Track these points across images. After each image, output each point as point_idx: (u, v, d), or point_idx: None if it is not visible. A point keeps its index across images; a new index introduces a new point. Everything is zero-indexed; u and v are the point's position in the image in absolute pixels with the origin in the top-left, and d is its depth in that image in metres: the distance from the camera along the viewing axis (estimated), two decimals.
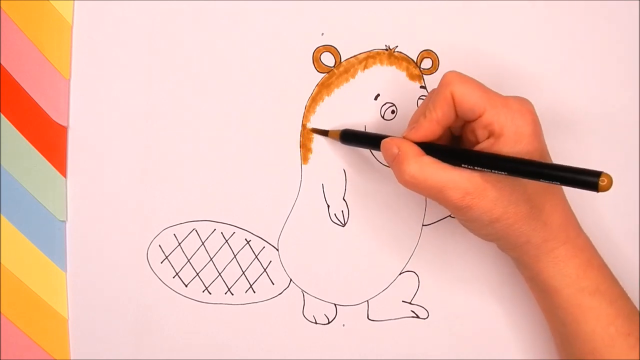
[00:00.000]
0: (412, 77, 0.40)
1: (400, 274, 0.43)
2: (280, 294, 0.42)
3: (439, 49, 0.41)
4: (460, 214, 0.35)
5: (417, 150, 0.35)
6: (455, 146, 0.37)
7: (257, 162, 0.40)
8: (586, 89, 0.43)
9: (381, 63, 0.40)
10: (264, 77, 0.39)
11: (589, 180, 0.30)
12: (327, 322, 0.43)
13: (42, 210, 0.38)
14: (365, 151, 0.41)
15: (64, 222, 0.39)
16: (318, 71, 0.39)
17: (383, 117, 0.40)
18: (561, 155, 0.44)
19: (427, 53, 0.40)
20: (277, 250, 0.41)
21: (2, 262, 0.39)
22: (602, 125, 0.44)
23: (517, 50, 0.42)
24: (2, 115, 0.37)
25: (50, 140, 0.38)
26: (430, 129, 0.35)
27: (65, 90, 0.37)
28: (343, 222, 0.42)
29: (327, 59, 0.39)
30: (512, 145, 0.34)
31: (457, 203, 0.34)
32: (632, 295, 0.39)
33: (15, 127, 0.38)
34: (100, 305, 0.40)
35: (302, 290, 0.42)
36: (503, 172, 0.33)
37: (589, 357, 0.37)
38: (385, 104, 0.40)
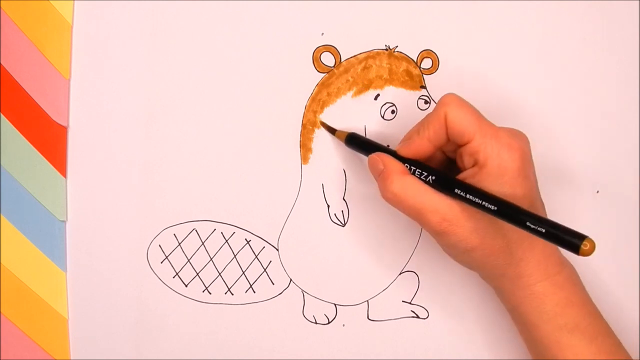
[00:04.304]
0: (412, 77, 0.40)
1: (400, 274, 0.43)
2: (280, 294, 0.42)
3: (439, 49, 0.41)
4: (438, 239, 0.36)
5: (402, 168, 0.35)
6: (440, 170, 0.37)
7: (257, 161, 0.40)
8: (586, 88, 0.43)
9: (381, 63, 0.40)
10: (264, 77, 0.39)
11: (572, 241, 0.29)
12: (327, 322, 0.43)
13: (42, 210, 0.38)
14: None
15: (64, 222, 0.39)
16: (318, 71, 0.39)
17: (383, 117, 0.40)
18: (560, 155, 0.44)
19: (427, 53, 0.40)
20: (277, 250, 0.41)
21: (2, 262, 0.39)
22: (602, 125, 0.44)
23: (518, 50, 0.42)
24: (2, 115, 0.37)
25: (50, 140, 0.38)
26: (421, 146, 0.36)
27: (65, 90, 0.37)
28: (343, 222, 0.42)
29: (327, 59, 0.39)
30: (494, 178, 0.33)
31: (435, 227, 0.34)
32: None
33: (15, 127, 0.38)
34: (100, 305, 0.40)
35: (302, 290, 0.42)
36: (489, 208, 0.32)
37: None
38: (385, 104, 0.40)
